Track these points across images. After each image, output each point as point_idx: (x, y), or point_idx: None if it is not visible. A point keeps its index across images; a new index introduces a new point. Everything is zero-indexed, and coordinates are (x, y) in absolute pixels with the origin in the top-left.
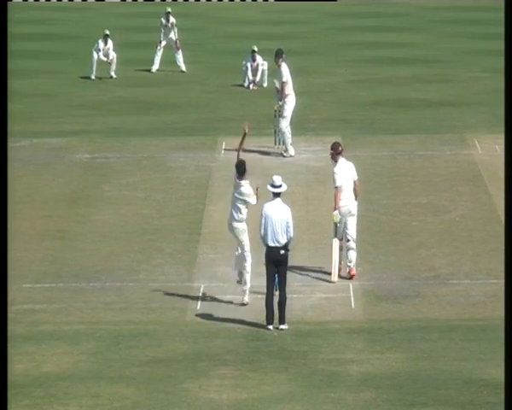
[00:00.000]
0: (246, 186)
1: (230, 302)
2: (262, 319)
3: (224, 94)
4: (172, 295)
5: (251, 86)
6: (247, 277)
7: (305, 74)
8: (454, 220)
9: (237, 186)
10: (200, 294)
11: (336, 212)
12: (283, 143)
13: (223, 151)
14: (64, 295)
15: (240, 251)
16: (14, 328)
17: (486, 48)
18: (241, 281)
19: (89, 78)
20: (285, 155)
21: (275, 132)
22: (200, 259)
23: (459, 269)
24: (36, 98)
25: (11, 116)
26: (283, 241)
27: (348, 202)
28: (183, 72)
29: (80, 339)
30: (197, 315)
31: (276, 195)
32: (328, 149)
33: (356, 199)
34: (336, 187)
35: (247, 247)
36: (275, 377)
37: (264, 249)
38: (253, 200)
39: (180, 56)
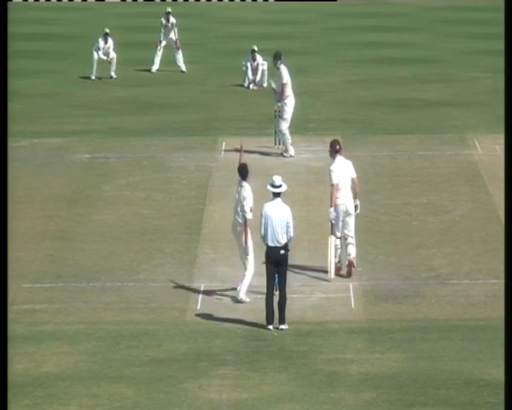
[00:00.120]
0: (246, 189)
1: (230, 302)
2: (262, 319)
3: (224, 94)
4: (172, 295)
5: (251, 86)
6: (248, 276)
7: (305, 74)
8: (454, 220)
9: (239, 189)
10: (200, 294)
11: (331, 209)
12: (283, 144)
13: (222, 152)
14: (64, 295)
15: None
16: (14, 328)
17: (486, 48)
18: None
19: (89, 78)
20: (285, 155)
21: (275, 132)
22: (200, 259)
23: (459, 269)
24: (36, 98)
25: (11, 116)
26: (283, 241)
27: (346, 201)
28: (183, 72)
29: (80, 339)
30: (197, 315)
31: (276, 195)
32: (328, 149)
33: (356, 197)
34: (332, 185)
35: (251, 249)
36: (275, 377)
37: (263, 249)
38: (247, 209)
39: (180, 56)
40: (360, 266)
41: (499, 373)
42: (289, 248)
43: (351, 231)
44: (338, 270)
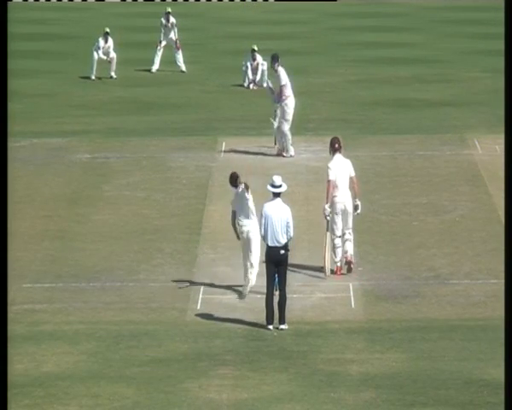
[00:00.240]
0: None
1: (230, 302)
2: (262, 319)
3: (224, 94)
4: (172, 295)
5: (251, 86)
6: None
7: (305, 74)
8: (454, 220)
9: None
10: (200, 294)
11: (326, 206)
12: (284, 144)
13: (222, 153)
14: (64, 295)
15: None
16: (14, 328)
17: (486, 48)
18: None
19: (89, 78)
20: (285, 155)
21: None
22: (200, 259)
23: (459, 269)
24: (36, 98)
25: (11, 116)
26: (283, 241)
27: (345, 199)
28: (183, 72)
29: (80, 339)
30: (197, 315)
31: (276, 195)
32: (328, 150)
33: (357, 196)
34: (329, 181)
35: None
36: (275, 377)
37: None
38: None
39: (180, 56)
40: (360, 266)
41: (499, 373)
42: (289, 248)
43: (349, 228)
44: (339, 269)
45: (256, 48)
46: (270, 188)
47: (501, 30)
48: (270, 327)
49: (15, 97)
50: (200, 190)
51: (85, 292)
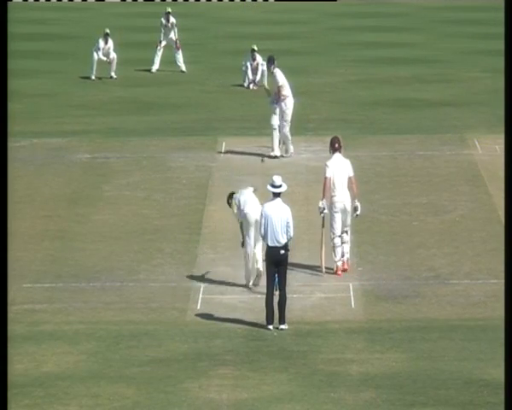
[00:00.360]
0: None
1: (230, 302)
2: (262, 319)
3: (224, 94)
4: (172, 295)
5: (251, 86)
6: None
7: (305, 74)
8: (454, 220)
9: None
10: (200, 294)
11: (320, 202)
12: (283, 143)
13: (222, 153)
14: (64, 295)
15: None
16: (14, 328)
17: (486, 48)
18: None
19: (89, 78)
20: (285, 155)
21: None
22: (200, 259)
23: (459, 269)
24: (36, 98)
25: (11, 116)
26: (283, 241)
27: (344, 198)
28: (183, 72)
29: (80, 339)
30: (197, 315)
31: (276, 195)
32: (328, 149)
33: (356, 198)
34: (325, 178)
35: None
36: (275, 377)
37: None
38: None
39: (180, 56)
40: (360, 266)
41: (499, 373)
42: (289, 248)
43: (347, 226)
44: (339, 269)
45: (256, 48)
46: (270, 188)
47: (501, 30)
48: (270, 327)
49: (15, 97)
50: (200, 190)
51: (85, 292)
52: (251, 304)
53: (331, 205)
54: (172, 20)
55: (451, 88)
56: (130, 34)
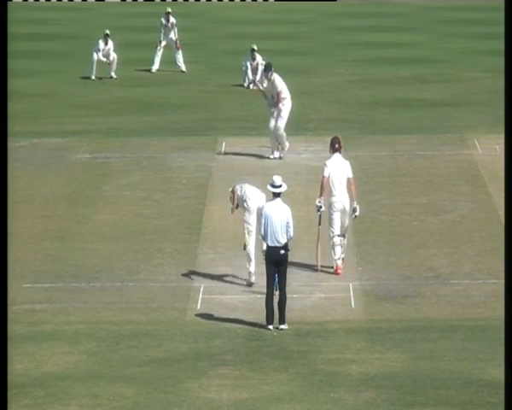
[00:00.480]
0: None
1: (230, 302)
2: (262, 319)
3: (224, 94)
4: (172, 295)
5: (251, 86)
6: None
7: (305, 74)
8: (454, 220)
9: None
10: (200, 294)
11: (317, 200)
12: (279, 143)
13: (222, 153)
14: (64, 295)
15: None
16: (14, 328)
17: (486, 48)
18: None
19: (89, 78)
20: (282, 155)
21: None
22: (200, 259)
23: (459, 269)
24: (36, 98)
25: (11, 116)
26: (283, 241)
27: (342, 199)
28: (183, 72)
29: (80, 339)
30: (197, 315)
31: (276, 195)
32: (328, 149)
33: (354, 199)
34: (323, 177)
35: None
36: (275, 377)
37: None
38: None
39: (180, 56)
40: (360, 266)
41: (499, 373)
42: (289, 248)
43: (344, 227)
44: (338, 268)
45: (255, 47)
46: (270, 188)
47: (501, 30)
48: (270, 327)
49: (15, 97)
50: (200, 190)
51: (85, 292)
52: (251, 304)
53: (330, 205)
54: (172, 20)
55: (451, 88)
56: (130, 34)
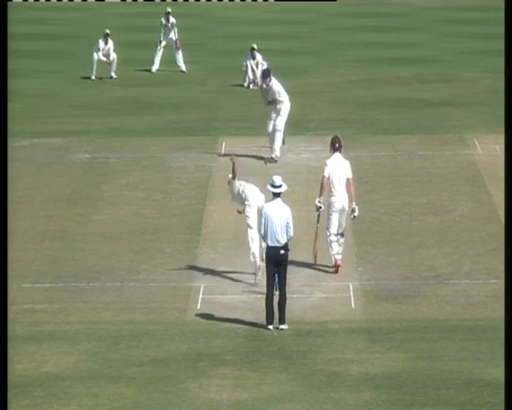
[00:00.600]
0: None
1: (230, 302)
2: (262, 319)
3: (224, 94)
4: (172, 295)
5: (251, 86)
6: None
7: (305, 74)
8: (454, 220)
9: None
10: (200, 294)
11: (317, 200)
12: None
13: (222, 152)
14: (64, 295)
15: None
16: (14, 328)
17: (486, 48)
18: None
19: (89, 78)
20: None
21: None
22: (200, 259)
23: (459, 269)
24: (36, 98)
25: (11, 116)
26: (283, 241)
27: (342, 198)
28: (183, 72)
29: (80, 339)
30: (197, 315)
31: (276, 195)
32: (328, 149)
33: (353, 200)
34: (323, 176)
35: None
36: (275, 377)
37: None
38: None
39: (180, 56)
40: (360, 266)
41: (499, 373)
42: (289, 247)
43: (343, 227)
44: (336, 262)
45: (255, 46)
46: (270, 188)
47: (501, 30)
48: (270, 327)
49: (15, 97)
50: (200, 190)
51: (85, 292)
52: (251, 304)
53: (329, 204)
54: (172, 20)
55: (451, 88)
56: (130, 34)
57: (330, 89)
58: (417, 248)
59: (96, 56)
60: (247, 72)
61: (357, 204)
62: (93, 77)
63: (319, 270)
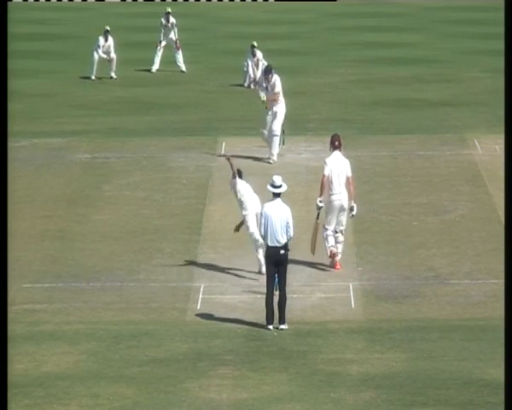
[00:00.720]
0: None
1: (230, 302)
2: (262, 319)
3: (224, 94)
4: (172, 295)
5: (251, 86)
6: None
7: (305, 74)
8: (454, 220)
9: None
10: (200, 294)
11: (318, 199)
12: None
13: (222, 152)
14: (64, 295)
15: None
16: (14, 328)
17: (486, 48)
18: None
19: (89, 78)
20: (271, 159)
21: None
22: (200, 259)
23: (459, 269)
24: (36, 98)
25: (11, 116)
26: (283, 241)
27: (341, 197)
28: (183, 72)
29: (80, 339)
30: (197, 315)
31: (277, 195)
32: (328, 149)
33: (352, 198)
34: (323, 175)
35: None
36: (275, 377)
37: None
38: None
39: (180, 56)
40: (360, 266)
41: (499, 373)
42: (289, 248)
43: (343, 226)
44: (332, 254)
45: (256, 44)
46: (270, 188)
47: (501, 30)
48: (270, 327)
49: (15, 97)
50: (200, 190)
51: (85, 292)
52: (251, 304)
53: (328, 202)
54: (172, 20)
55: (451, 88)
56: (130, 34)
57: (330, 89)
58: (417, 248)
59: (96, 56)
60: (247, 71)
61: (356, 203)
62: (93, 77)
63: (319, 270)
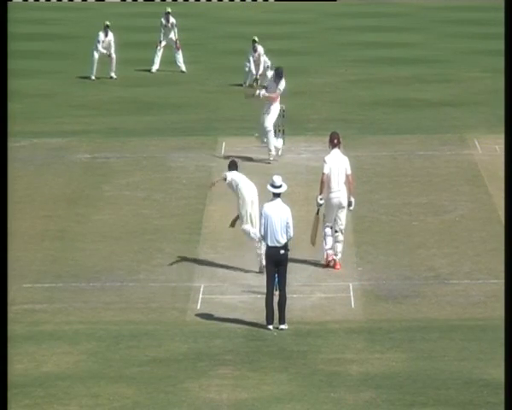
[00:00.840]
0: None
1: (230, 302)
2: (262, 319)
3: (224, 94)
4: (172, 295)
5: (254, 84)
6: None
7: (305, 74)
8: (454, 220)
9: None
10: (200, 294)
11: (318, 198)
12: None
13: (222, 152)
14: (64, 295)
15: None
16: (14, 328)
17: (486, 48)
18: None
19: (89, 78)
20: (270, 156)
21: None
22: (200, 259)
23: (459, 269)
24: (36, 98)
25: (11, 116)
26: (283, 241)
27: (340, 194)
28: (183, 72)
29: (80, 339)
30: (197, 315)
31: (276, 195)
32: (328, 150)
33: (351, 193)
34: (323, 173)
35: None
36: (275, 377)
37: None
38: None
39: (180, 56)
40: (360, 266)
41: (499, 373)
42: (289, 248)
43: (342, 224)
44: (330, 256)
45: (257, 39)
46: (270, 188)
47: (501, 30)
48: (270, 327)
49: (15, 97)
50: (200, 190)
51: (85, 292)
52: (251, 304)
53: (327, 200)
54: (172, 20)
55: (451, 88)
56: (130, 34)
57: (330, 89)
58: (417, 248)
59: (96, 55)
60: (249, 71)
61: (354, 198)
62: (93, 77)
63: (319, 270)
